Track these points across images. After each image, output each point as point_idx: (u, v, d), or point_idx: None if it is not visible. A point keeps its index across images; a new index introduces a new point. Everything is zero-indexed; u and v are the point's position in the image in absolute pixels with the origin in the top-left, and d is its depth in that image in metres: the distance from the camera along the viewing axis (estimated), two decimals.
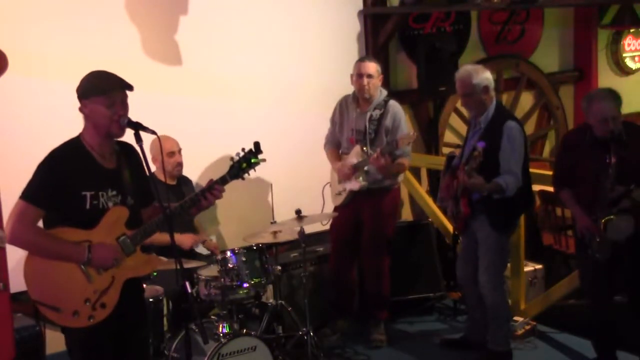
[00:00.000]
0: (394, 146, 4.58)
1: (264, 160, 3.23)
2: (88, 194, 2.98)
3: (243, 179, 3.26)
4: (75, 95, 3.04)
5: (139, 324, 3.28)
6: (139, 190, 3.16)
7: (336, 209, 5.02)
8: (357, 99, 4.88)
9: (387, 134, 4.78)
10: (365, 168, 4.74)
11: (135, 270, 3.14)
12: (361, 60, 4.87)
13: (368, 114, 4.80)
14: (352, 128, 4.88)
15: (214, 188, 3.19)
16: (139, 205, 3.18)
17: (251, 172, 3.27)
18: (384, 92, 4.89)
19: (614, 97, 3.95)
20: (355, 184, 4.81)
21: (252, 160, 3.20)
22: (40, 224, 3.02)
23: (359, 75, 4.78)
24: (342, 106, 4.98)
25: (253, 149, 3.23)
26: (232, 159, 3.25)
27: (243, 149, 3.25)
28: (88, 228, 3.00)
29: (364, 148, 4.76)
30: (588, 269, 4.16)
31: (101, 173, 3.04)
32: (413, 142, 4.72)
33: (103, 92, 2.97)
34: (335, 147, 5.05)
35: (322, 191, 5.14)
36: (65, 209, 2.97)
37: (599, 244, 3.95)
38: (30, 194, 2.94)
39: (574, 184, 4.13)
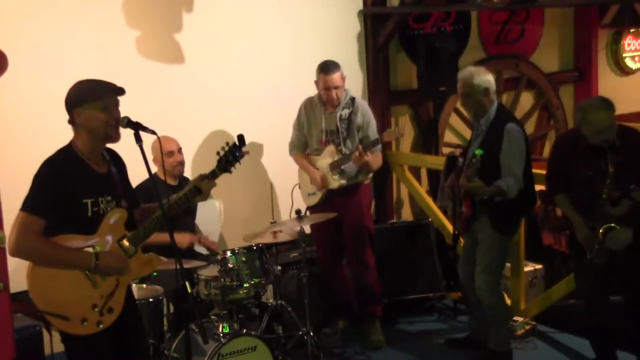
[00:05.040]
0: (377, 142, 4.74)
1: (247, 152, 3.30)
2: (89, 201, 3.00)
3: (230, 172, 3.30)
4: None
5: (138, 326, 3.29)
6: (127, 193, 3.20)
7: (311, 209, 5.05)
8: (324, 102, 4.92)
9: (358, 131, 4.86)
10: (342, 166, 4.83)
11: (138, 272, 3.16)
12: (325, 72, 4.77)
13: (337, 114, 4.85)
14: (321, 129, 4.91)
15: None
16: (133, 207, 3.22)
17: (238, 166, 3.31)
18: (348, 91, 4.93)
19: (607, 105, 3.91)
20: (332, 182, 4.88)
21: (237, 153, 3.25)
22: None
23: (326, 89, 4.79)
24: (307, 108, 5.00)
25: (237, 142, 3.27)
26: (218, 153, 3.28)
27: (227, 143, 3.28)
28: (89, 234, 3.01)
29: (339, 147, 4.84)
30: (583, 271, 4.15)
31: (97, 179, 3.06)
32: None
33: (97, 98, 2.99)
34: (303, 151, 5.08)
35: (292, 193, 5.16)
36: (67, 217, 2.97)
37: (597, 251, 3.94)
38: (31, 204, 2.92)
39: (568, 188, 4.12)
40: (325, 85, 4.80)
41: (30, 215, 2.90)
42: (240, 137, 3.27)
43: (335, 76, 4.77)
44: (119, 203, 3.11)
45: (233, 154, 3.24)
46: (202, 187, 3.20)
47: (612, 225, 3.85)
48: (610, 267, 3.97)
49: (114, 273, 3.04)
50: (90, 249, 2.99)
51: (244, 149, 3.26)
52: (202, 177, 3.23)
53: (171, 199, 3.17)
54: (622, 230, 3.84)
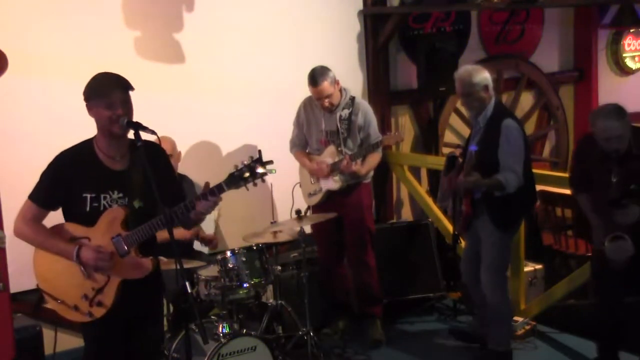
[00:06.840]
0: (377, 145, 4.76)
1: (272, 171, 3.03)
2: (89, 195, 3.03)
3: (247, 188, 3.09)
4: (79, 98, 3.07)
5: (153, 323, 3.29)
6: (152, 192, 2.98)
7: (312, 209, 5.05)
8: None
9: (359, 131, 4.86)
10: None
11: (129, 273, 3.10)
12: (312, 83, 4.74)
13: (337, 114, 4.85)
14: (321, 129, 4.91)
15: (208, 197, 3.05)
16: (152, 207, 3.09)
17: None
18: (348, 91, 4.91)
19: (618, 114, 3.84)
20: (333, 184, 4.87)
21: (259, 170, 3.02)
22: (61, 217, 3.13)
23: (317, 99, 4.80)
24: (307, 107, 4.99)
25: (258, 158, 3.03)
26: (235, 166, 3.09)
27: (251, 157, 3.06)
28: (89, 226, 3.07)
29: (339, 148, 4.84)
30: (602, 272, 4.12)
31: (106, 175, 3.06)
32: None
33: (102, 94, 2.97)
34: (303, 148, 5.09)
35: (292, 192, 5.15)
36: (66, 209, 3.09)
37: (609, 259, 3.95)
38: (33, 193, 3.08)
39: (590, 190, 4.11)
40: (315, 96, 4.81)
41: (31, 203, 3.08)
42: (259, 153, 3.03)
43: (324, 86, 4.73)
44: (131, 200, 3.09)
45: (251, 169, 2.99)
46: (196, 207, 3.05)
47: (619, 235, 3.82)
48: (630, 270, 3.93)
49: (94, 269, 3.05)
50: (87, 241, 3.04)
51: (269, 167, 3.00)
52: (199, 197, 3.05)
53: (171, 209, 3.05)
54: (620, 242, 3.80)
